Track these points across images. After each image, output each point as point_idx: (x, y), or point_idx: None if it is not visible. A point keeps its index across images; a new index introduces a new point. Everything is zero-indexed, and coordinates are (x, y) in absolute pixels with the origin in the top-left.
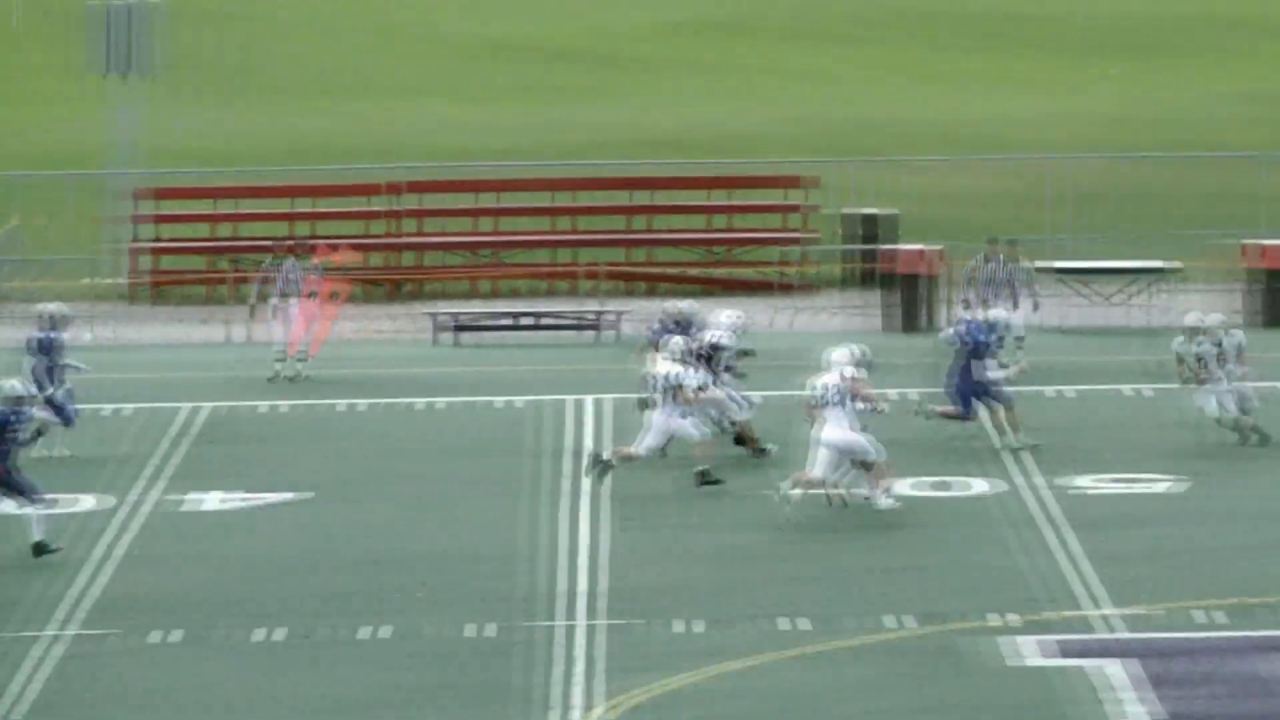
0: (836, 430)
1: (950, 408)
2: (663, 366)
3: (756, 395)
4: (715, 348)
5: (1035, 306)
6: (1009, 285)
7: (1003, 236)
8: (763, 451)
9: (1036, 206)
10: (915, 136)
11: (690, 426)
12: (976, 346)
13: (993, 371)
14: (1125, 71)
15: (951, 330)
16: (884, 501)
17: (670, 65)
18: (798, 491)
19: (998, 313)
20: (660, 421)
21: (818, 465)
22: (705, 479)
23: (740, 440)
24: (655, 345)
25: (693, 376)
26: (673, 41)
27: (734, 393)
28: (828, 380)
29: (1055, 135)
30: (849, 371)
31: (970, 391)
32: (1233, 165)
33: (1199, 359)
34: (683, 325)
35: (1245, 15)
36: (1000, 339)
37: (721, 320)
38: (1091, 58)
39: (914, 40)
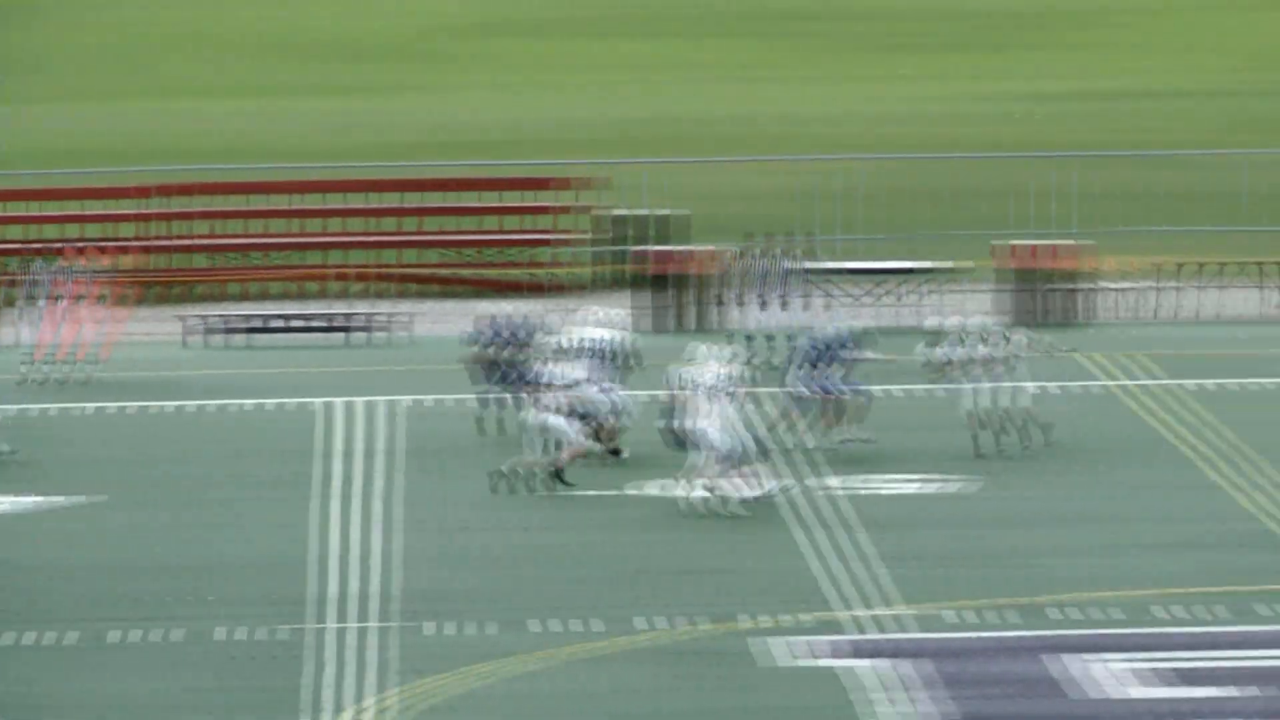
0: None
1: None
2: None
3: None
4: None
5: (784, 306)
6: (782, 282)
7: (778, 235)
8: (616, 453)
9: (824, 204)
10: (705, 135)
11: (565, 425)
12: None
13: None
14: (919, 69)
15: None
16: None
17: (441, 64)
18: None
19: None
20: (536, 419)
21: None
22: (558, 478)
23: (598, 436)
24: (479, 347)
25: (563, 376)
26: (458, 41)
27: (614, 394)
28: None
29: (847, 133)
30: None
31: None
32: (1017, 164)
33: (948, 361)
34: (515, 330)
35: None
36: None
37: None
38: (886, 54)
39: (704, 37)
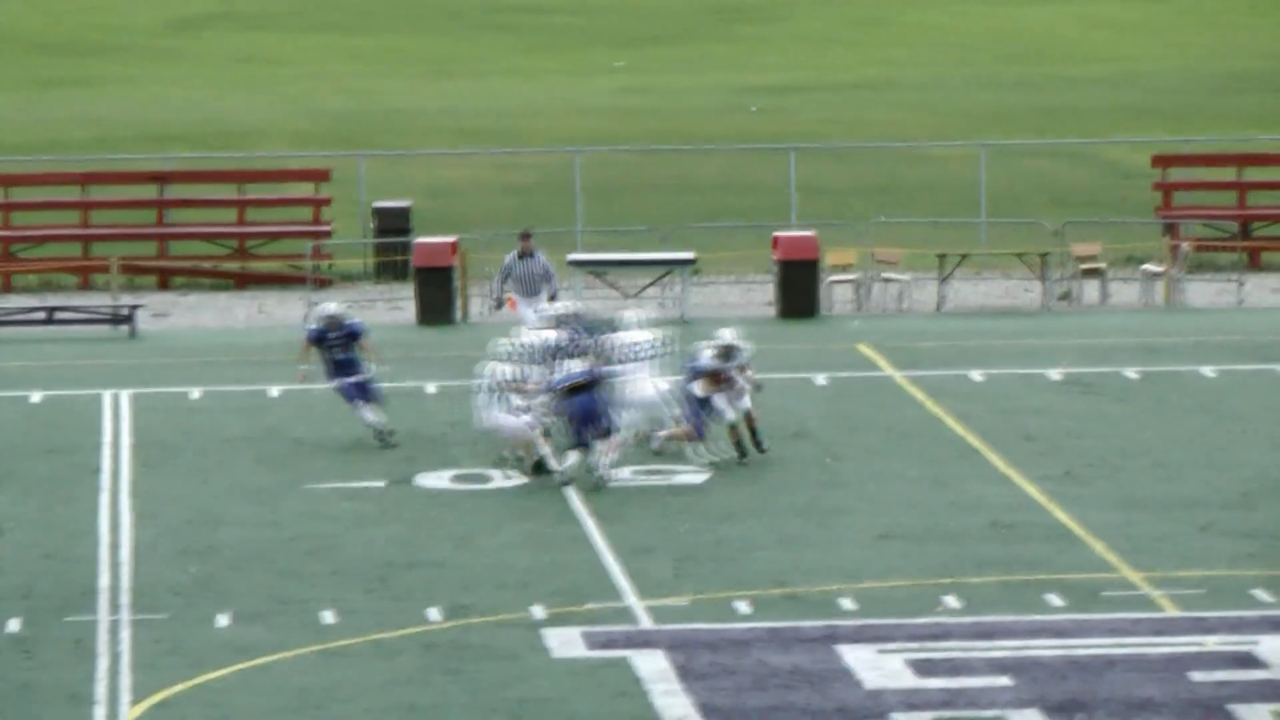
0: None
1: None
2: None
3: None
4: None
5: (553, 298)
6: (545, 280)
7: (532, 230)
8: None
9: (553, 198)
10: (427, 128)
11: (510, 419)
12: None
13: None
14: (631, 63)
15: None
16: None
17: (175, 58)
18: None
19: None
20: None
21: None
22: (538, 469)
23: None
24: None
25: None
26: (175, 35)
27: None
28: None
29: (563, 126)
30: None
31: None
32: (749, 157)
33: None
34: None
35: (745, 5)
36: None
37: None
38: (599, 48)
39: (423, 31)
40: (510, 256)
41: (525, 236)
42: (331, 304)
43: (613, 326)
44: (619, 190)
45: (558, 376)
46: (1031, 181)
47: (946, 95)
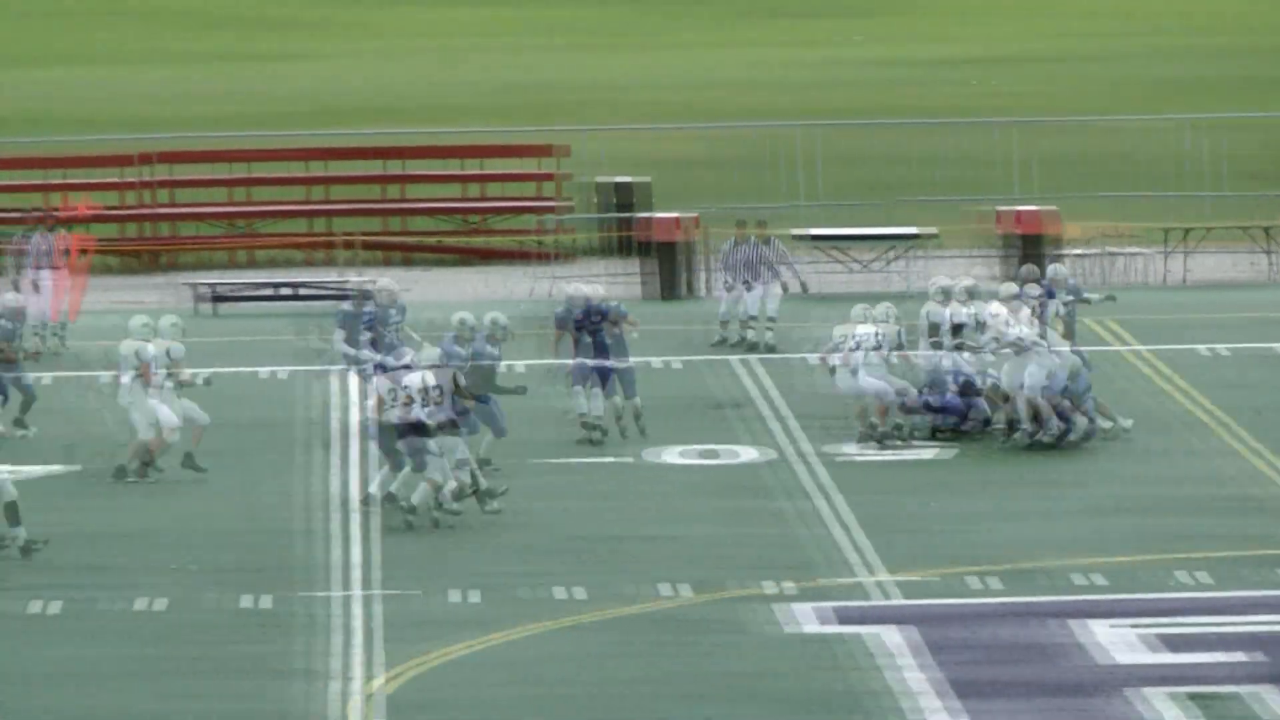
0: None
1: None
2: None
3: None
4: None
5: (802, 285)
6: (765, 266)
7: (752, 218)
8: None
9: (778, 172)
10: (650, 102)
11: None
12: None
13: None
14: (870, 33)
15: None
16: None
17: (357, 31)
18: None
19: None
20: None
21: None
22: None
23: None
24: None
25: None
26: (398, 7)
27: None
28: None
29: (795, 99)
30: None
31: None
32: (982, 130)
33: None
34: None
35: None
36: None
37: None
38: (825, 20)
39: (640, 1)
40: (727, 245)
41: (740, 225)
42: (584, 285)
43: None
44: (844, 163)
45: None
46: (1256, 154)
47: (1161, 66)
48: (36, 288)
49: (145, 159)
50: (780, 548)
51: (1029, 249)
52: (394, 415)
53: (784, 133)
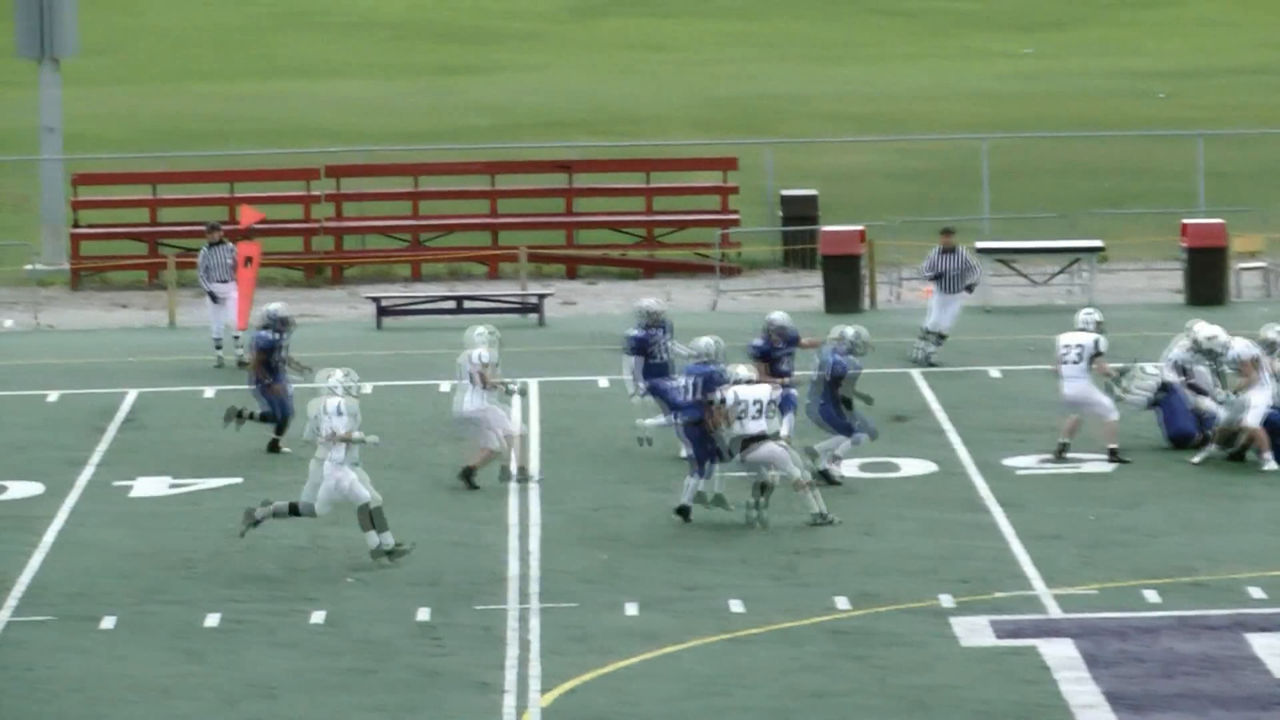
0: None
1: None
2: None
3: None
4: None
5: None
6: (963, 275)
7: (950, 226)
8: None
9: (954, 185)
10: (825, 114)
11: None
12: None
13: None
14: (1039, 47)
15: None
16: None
17: (569, 44)
18: None
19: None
20: None
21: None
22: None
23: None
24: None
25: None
26: (570, 21)
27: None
28: None
29: (968, 111)
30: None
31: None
32: (1155, 142)
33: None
34: (660, 325)
35: None
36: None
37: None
38: (994, 33)
39: (816, 16)
40: (933, 254)
41: (947, 233)
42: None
43: None
44: (1022, 176)
45: None
46: None
47: None
48: (214, 299)
49: (333, 172)
50: (953, 560)
51: (1204, 262)
52: (749, 427)
53: (962, 145)
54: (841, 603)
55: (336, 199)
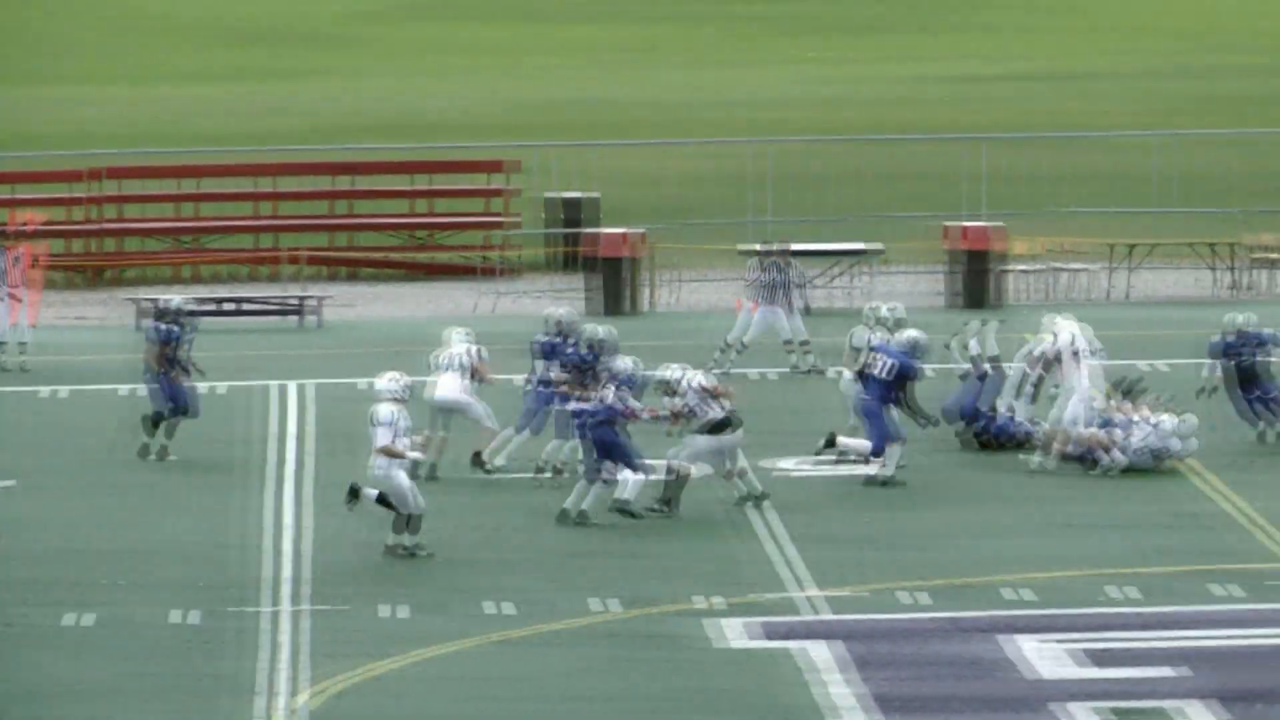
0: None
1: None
2: None
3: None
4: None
5: (806, 310)
6: (784, 288)
7: (775, 241)
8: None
9: (738, 188)
10: (610, 118)
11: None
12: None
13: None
14: (822, 52)
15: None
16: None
17: (364, 48)
18: None
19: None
20: None
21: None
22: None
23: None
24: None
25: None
26: (367, 24)
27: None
28: None
29: (754, 116)
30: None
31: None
32: (930, 147)
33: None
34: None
35: None
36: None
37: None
38: (787, 38)
39: (609, 20)
40: (752, 263)
41: (778, 244)
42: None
43: None
44: (804, 180)
45: None
46: (1216, 170)
47: (1132, 84)
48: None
49: (94, 175)
50: (721, 562)
51: (974, 265)
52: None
53: (748, 149)
54: (612, 605)
55: (118, 200)
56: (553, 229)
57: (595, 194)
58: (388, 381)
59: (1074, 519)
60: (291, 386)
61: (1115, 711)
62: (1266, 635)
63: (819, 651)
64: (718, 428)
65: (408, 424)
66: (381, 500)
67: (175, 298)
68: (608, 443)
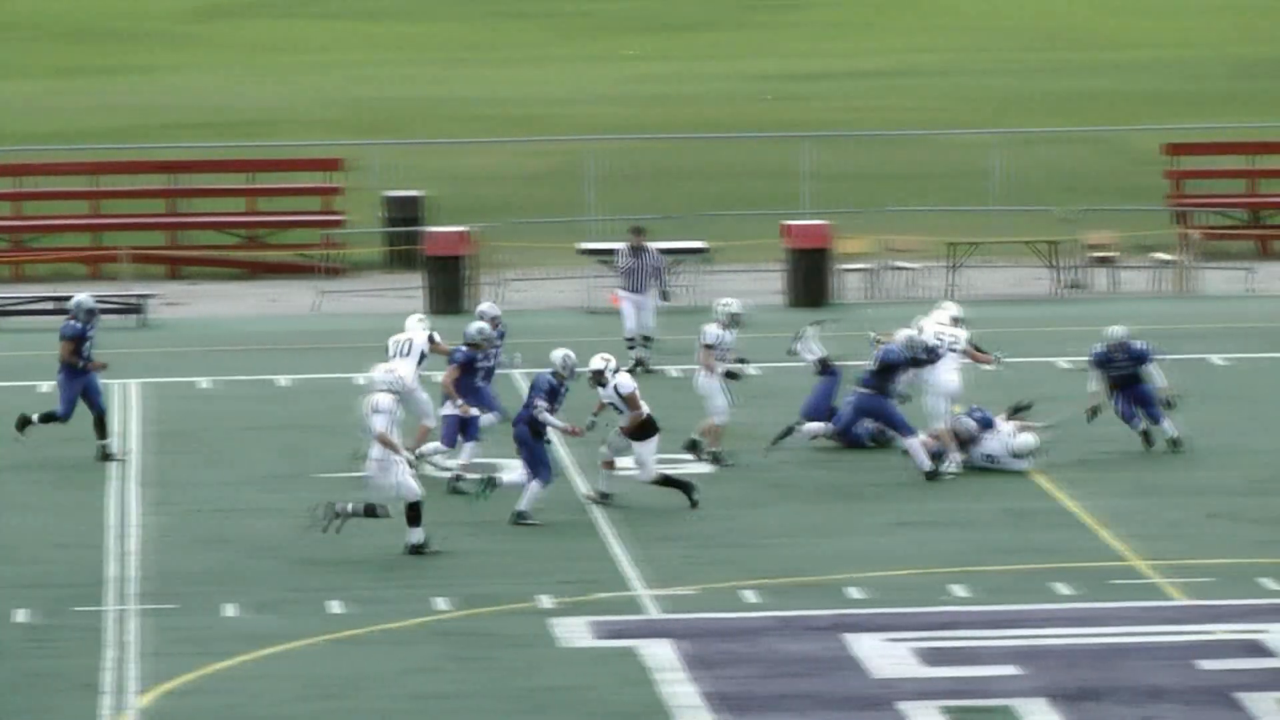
0: None
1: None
2: None
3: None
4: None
5: (665, 297)
6: (655, 276)
7: (639, 225)
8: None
9: (568, 186)
10: (443, 116)
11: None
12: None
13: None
14: (646, 50)
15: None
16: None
17: (196, 45)
18: None
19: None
20: None
21: None
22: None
23: None
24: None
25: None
26: (196, 22)
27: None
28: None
29: (584, 114)
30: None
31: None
32: (759, 145)
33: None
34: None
35: None
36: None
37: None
38: (614, 36)
39: (439, 19)
40: (621, 250)
41: (637, 231)
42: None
43: None
44: (633, 178)
45: None
46: (1046, 168)
47: (961, 82)
48: None
49: None
50: (558, 561)
51: (807, 263)
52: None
53: (577, 147)
54: (447, 604)
55: None
56: (389, 228)
57: (421, 192)
58: (384, 373)
59: (916, 517)
60: (116, 385)
61: (956, 710)
62: (1104, 634)
63: (662, 650)
64: (646, 429)
65: (401, 416)
66: (369, 512)
67: (86, 296)
68: (523, 441)
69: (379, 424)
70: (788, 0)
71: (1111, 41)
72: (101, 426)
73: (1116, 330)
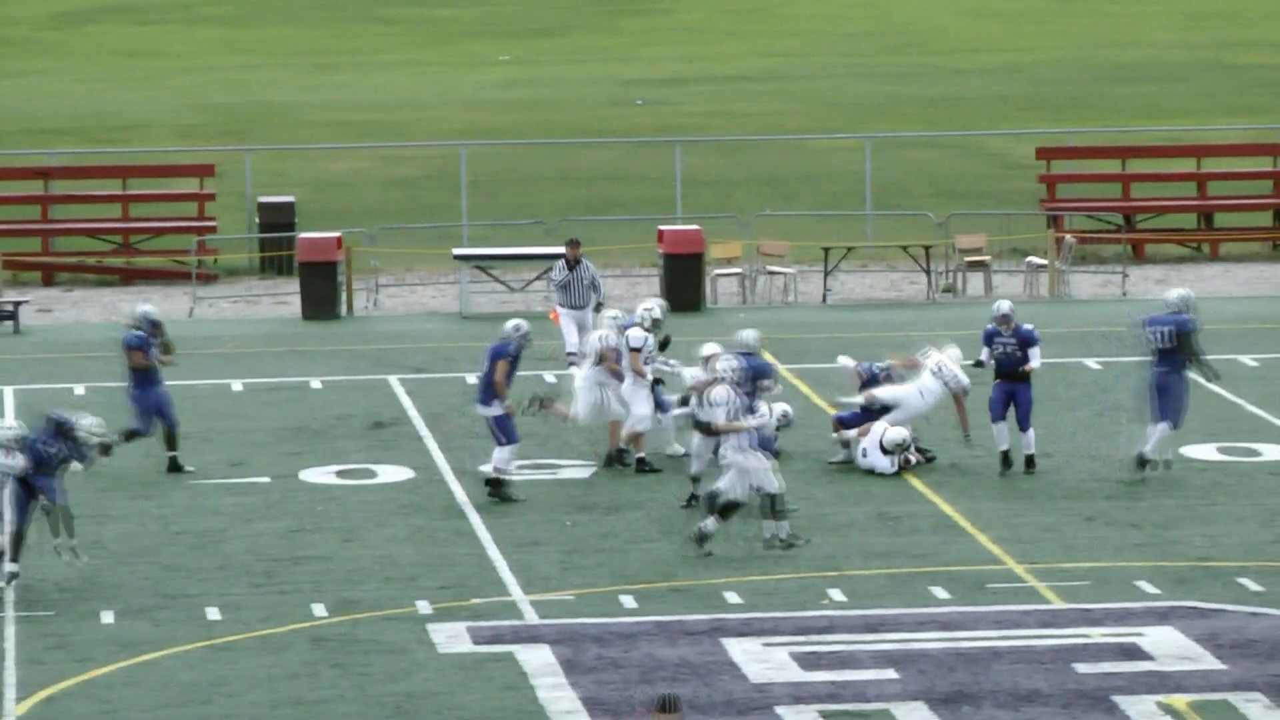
0: None
1: None
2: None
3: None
4: None
5: (598, 307)
6: (593, 289)
7: (575, 238)
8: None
9: (439, 192)
10: (312, 122)
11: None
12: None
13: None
14: (516, 55)
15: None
16: None
17: (60, 52)
18: None
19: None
20: None
21: None
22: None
23: None
24: None
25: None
26: (60, 28)
27: None
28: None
29: (455, 119)
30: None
31: None
32: (636, 149)
33: None
34: None
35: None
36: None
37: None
38: (484, 41)
39: (307, 24)
40: (558, 266)
41: (573, 244)
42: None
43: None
44: (505, 183)
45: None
46: (916, 173)
47: (831, 87)
48: None
49: None
50: (433, 567)
51: (681, 268)
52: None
53: (446, 152)
54: (321, 610)
55: None
56: (263, 233)
57: (293, 198)
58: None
59: (791, 521)
60: (7, 391)
61: (834, 714)
62: (981, 637)
63: (539, 655)
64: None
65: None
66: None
67: (150, 306)
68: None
69: (718, 416)
70: (650, 5)
71: (976, 46)
72: (171, 440)
73: (1002, 305)
